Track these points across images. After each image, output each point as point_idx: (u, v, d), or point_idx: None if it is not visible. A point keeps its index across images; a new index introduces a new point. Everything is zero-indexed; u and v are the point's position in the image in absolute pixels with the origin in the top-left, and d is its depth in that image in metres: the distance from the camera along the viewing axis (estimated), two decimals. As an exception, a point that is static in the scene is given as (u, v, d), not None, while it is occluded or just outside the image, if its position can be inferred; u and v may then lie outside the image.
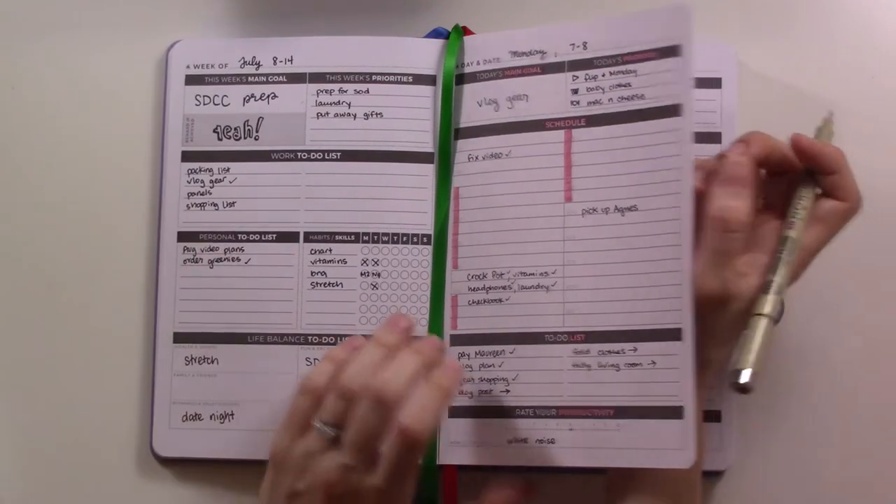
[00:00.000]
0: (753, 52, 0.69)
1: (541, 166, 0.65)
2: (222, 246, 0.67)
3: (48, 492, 0.68)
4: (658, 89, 0.63)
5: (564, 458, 0.63)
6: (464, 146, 0.66)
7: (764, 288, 0.59)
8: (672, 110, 0.63)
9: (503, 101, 0.66)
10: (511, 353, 0.64)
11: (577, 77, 0.65)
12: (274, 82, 0.68)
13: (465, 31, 0.68)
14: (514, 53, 0.66)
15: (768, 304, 0.58)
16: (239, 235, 0.67)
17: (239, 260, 0.67)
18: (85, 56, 0.70)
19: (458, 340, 0.65)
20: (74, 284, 0.69)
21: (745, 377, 0.56)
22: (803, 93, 0.69)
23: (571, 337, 0.63)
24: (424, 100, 0.67)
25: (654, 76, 0.63)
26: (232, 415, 0.66)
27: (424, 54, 0.67)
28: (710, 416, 0.66)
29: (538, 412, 0.63)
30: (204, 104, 0.68)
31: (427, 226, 0.66)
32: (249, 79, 0.68)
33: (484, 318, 0.65)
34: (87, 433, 0.68)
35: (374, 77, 0.67)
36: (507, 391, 0.64)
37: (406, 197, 0.66)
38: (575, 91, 0.65)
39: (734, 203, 0.59)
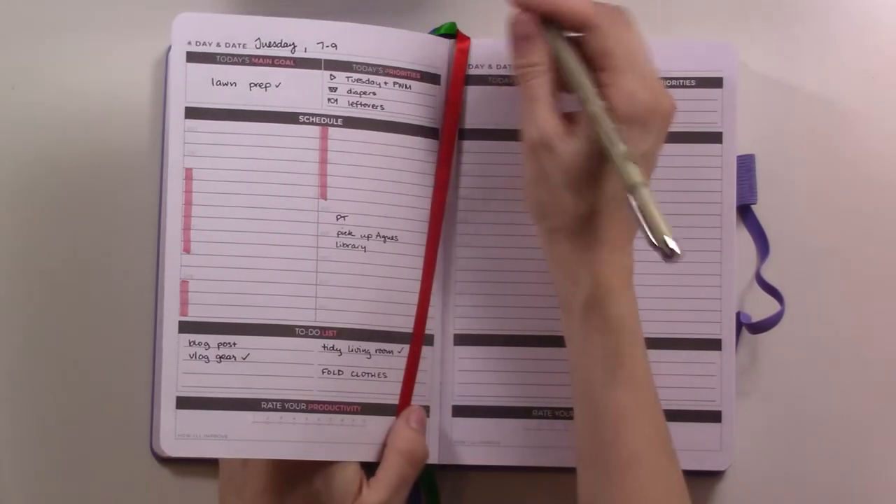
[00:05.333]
0: (754, 52, 0.69)
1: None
2: None
3: (51, 490, 0.68)
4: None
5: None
6: None
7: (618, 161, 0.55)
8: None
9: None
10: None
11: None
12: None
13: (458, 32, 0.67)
14: None
15: (636, 174, 0.54)
16: None
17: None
18: (85, 56, 0.69)
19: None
20: (77, 282, 0.68)
21: (673, 244, 0.52)
22: (803, 93, 0.69)
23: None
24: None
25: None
26: None
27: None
28: (710, 416, 0.66)
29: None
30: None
31: None
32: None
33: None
34: (92, 430, 0.68)
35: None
36: None
37: None
38: None
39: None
